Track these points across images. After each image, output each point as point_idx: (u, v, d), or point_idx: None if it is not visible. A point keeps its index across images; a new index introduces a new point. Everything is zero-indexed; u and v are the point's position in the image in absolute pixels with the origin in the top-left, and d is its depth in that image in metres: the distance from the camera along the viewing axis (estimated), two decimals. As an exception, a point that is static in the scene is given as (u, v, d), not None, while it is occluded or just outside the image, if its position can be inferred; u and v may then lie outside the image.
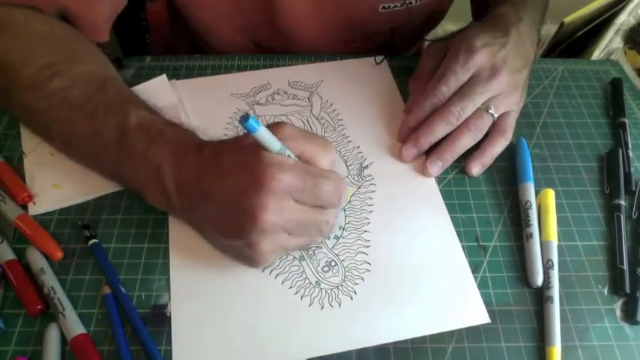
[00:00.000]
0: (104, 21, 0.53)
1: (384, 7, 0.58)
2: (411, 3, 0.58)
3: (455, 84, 0.49)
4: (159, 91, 0.54)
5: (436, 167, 0.48)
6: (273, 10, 0.59)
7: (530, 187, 0.47)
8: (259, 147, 0.36)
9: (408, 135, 0.50)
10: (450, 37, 0.54)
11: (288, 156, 0.37)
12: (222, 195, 0.37)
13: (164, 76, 0.56)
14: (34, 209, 0.45)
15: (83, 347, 0.37)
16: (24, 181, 0.47)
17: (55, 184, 0.47)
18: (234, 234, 0.38)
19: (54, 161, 0.48)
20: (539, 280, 0.42)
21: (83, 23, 0.51)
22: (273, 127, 0.38)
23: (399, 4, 0.58)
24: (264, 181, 0.35)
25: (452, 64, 0.49)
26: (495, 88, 0.49)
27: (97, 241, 0.43)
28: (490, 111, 0.48)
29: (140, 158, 0.41)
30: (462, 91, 0.48)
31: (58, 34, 0.48)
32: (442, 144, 0.48)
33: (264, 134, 0.35)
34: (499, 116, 0.49)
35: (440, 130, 0.48)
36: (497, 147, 0.49)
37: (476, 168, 0.48)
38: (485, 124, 0.48)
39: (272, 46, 0.65)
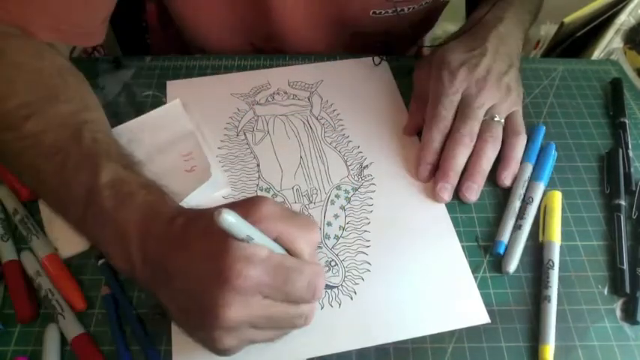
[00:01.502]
0: (97, 24, 0.52)
1: (374, 12, 0.59)
2: (402, 10, 0.58)
3: (451, 105, 0.49)
4: (173, 118, 0.53)
5: (474, 192, 0.47)
6: (266, 13, 0.59)
7: (539, 186, 0.47)
8: (229, 234, 0.32)
9: (431, 172, 0.48)
10: (433, 52, 0.54)
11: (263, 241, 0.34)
12: (186, 281, 0.34)
13: (178, 101, 0.54)
14: (59, 255, 0.42)
15: (85, 347, 0.37)
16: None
17: None
18: (194, 327, 0.35)
19: None
20: (511, 268, 0.42)
21: (75, 32, 0.50)
22: (249, 206, 0.34)
23: (390, 11, 0.58)
24: (228, 276, 0.31)
25: (440, 89, 0.50)
26: (489, 99, 0.49)
27: (106, 260, 0.41)
28: (495, 118, 0.49)
29: (107, 220, 0.37)
30: (461, 113, 0.49)
31: (41, 69, 0.46)
32: (468, 168, 0.48)
33: (232, 223, 0.30)
34: (505, 119, 0.50)
35: (461, 156, 0.47)
36: (518, 148, 0.49)
37: (507, 179, 0.48)
38: (497, 131, 0.49)
39: (266, 48, 0.65)
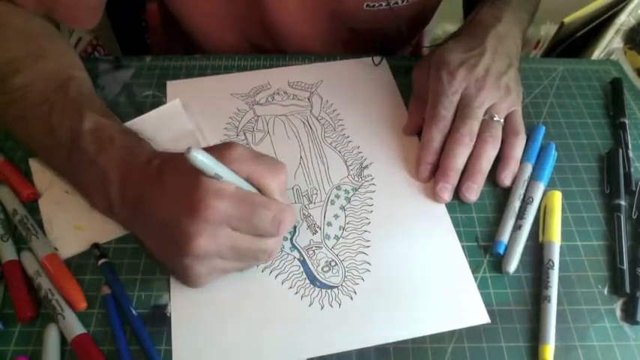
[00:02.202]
0: (87, 9, 0.54)
1: (367, 5, 0.59)
2: (397, 3, 0.59)
3: (450, 105, 0.49)
4: (173, 118, 0.53)
5: (474, 192, 0.47)
6: (261, 7, 0.60)
7: (539, 186, 0.47)
8: (200, 171, 0.35)
9: (431, 172, 0.48)
10: (432, 52, 0.54)
11: (235, 181, 0.37)
12: (160, 214, 0.37)
13: (178, 101, 0.54)
14: (59, 255, 0.42)
15: (85, 347, 0.37)
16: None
17: (76, 225, 0.44)
18: (169, 256, 0.38)
19: (70, 200, 0.45)
20: (511, 268, 0.42)
21: (63, 14, 0.52)
22: (221, 149, 0.37)
23: (383, 4, 0.58)
24: (198, 208, 0.35)
25: (439, 89, 0.50)
26: (488, 99, 0.49)
27: (106, 259, 0.42)
28: (495, 118, 0.49)
29: (89, 163, 0.41)
30: (461, 113, 0.49)
31: (30, 29, 0.49)
32: (468, 168, 0.48)
33: (200, 160, 0.34)
34: (505, 119, 0.50)
35: (461, 156, 0.47)
36: (517, 148, 0.49)
37: (507, 178, 0.48)
38: (497, 130, 0.49)
39: (264, 45, 0.65)
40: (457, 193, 0.47)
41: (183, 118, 0.53)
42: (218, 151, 0.37)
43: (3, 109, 0.46)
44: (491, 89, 0.49)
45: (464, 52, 0.51)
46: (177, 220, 0.36)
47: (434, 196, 0.47)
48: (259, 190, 0.39)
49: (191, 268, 0.37)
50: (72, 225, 0.44)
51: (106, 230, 0.44)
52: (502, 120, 0.50)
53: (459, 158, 0.47)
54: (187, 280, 0.39)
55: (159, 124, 0.52)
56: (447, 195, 0.47)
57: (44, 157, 0.46)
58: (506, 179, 0.48)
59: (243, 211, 0.36)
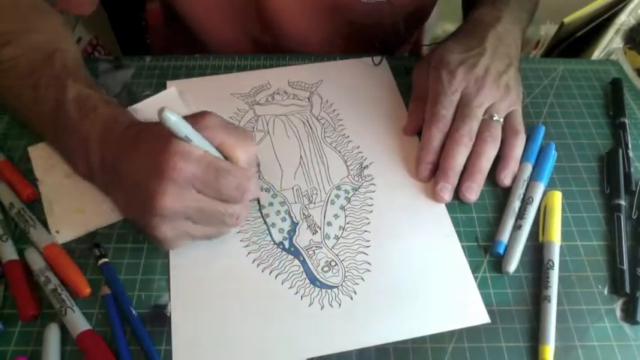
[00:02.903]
0: None
1: None
2: None
3: (450, 105, 0.49)
4: (169, 105, 0.53)
5: (473, 192, 0.47)
6: (258, 0, 0.60)
7: (539, 186, 0.47)
8: (172, 135, 0.37)
9: (430, 172, 0.48)
10: (432, 51, 0.54)
11: (206, 146, 0.38)
12: (132, 176, 0.39)
13: (174, 89, 0.55)
14: (59, 238, 0.43)
15: (94, 342, 0.37)
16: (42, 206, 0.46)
17: (77, 209, 0.45)
18: (138, 215, 0.39)
19: (70, 185, 0.46)
20: (511, 268, 0.42)
21: None
22: (196, 116, 0.40)
23: None
24: (165, 168, 0.36)
25: (439, 89, 0.50)
26: (487, 98, 0.49)
27: (107, 260, 0.42)
28: (495, 118, 0.49)
29: (73, 130, 0.43)
30: (460, 113, 0.49)
31: (20, 2, 0.51)
32: (468, 167, 0.48)
33: (172, 120, 0.35)
34: (504, 119, 0.50)
35: (461, 155, 0.47)
36: (517, 148, 0.49)
37: (507, 178, 0.48)
38: (496, 130, 0.49)
39: (264, 39, 0.65)
40: (457, 193, 0.47)
41: (179, 105, 0.53)
42: (193, 117, 0.39)
43: None
44: (490, 89, 0.49)
45: (463, 52, 0.51)
46: (146, 180, 0.37)
47: (434, 196, 0.47)
48: (228, 159, 0.40)
49: (158, 228, 0.38)
50: (72, 209, 0.45)
51: (105, 214, 0.45)
52: (502, 119, 0.50)
53: (459, 158, 0.47)
54: (155, 240, 0.40)
55: (154, 112, 0.52)
56: (447, 195, 0.47)
57: (34, 126, 0.48)
58: (506, 179, 0.48)
59: (209, 175, 0.38)
